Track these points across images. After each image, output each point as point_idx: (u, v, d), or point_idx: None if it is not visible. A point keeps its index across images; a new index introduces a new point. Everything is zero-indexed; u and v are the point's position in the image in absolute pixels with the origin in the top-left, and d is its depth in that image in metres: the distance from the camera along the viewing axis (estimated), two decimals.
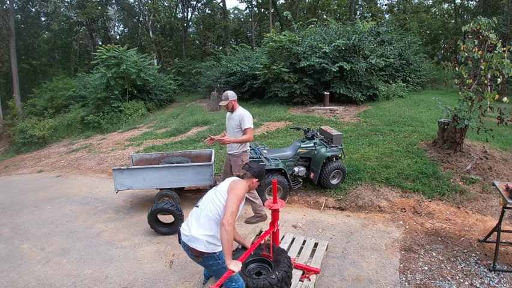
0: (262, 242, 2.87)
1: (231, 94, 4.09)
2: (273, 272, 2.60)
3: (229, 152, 4.27)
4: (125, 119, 12.94)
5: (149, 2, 24.20)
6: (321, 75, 10.73)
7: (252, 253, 2.84)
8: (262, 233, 3.31)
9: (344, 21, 16.67)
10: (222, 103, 4.09)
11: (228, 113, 4.27)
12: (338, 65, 10.22)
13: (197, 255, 2.42)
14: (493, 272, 3.20)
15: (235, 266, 2.25)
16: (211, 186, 5.02)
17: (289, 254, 3.32)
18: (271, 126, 8.91)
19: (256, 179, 2.69)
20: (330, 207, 4.81)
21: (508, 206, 3.22)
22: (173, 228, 4.20)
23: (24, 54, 25.52)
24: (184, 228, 2.51)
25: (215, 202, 2.49)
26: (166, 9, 25.90)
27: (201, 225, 2.43)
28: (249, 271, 2.79)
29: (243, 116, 4.04)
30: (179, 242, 2.55)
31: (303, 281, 2.98)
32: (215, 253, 2.42)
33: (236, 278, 2.46)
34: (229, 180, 2.65)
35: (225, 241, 2.27)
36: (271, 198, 2.98)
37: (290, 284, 2.68)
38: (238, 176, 2.72)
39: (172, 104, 16.18)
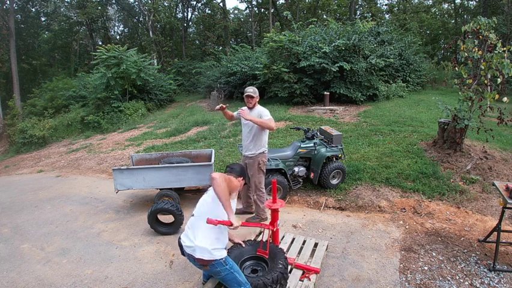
0: (259, 238, 2.89)
1: (256, 90, 4.01)
2: (269, 272, 2.60)
3: (245, 154, 4.15)
4: (125, 119, 12.94)
5: (149, 2, 24.21)
6: (321, 75, 10.72)
7: (247, 245, 2.88)
8: (262, 233, 3.32)
9: (344, 21, 16.68)
10: (250, 91, 3.93)
11: (245, 110, 4.12)
12: (338, 65, 10.22)
13: (204, 265, 2.40)
14: (493, 272, 3.20)
15: (236, 220, 2.38)
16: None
17: (289, 254, 3.33)
18: None
19: (241, 177, 2.78)
20: (330, 207, 4.81)
21: (508, 206, 3.22)
22: (173, 228, 4.19)
23: (24, 54, 25.53)
24: (184, 240, 2.48)
25: (206, 199, 2.54)
26: (166, 9, 25.91)
27: (201, 232, 2.42)
28: (244, 268, 2.79)
29: (262, 111, 3.93)
30: (183, 254, 2.55)
31: (303, 281, 2.98)
32: (221, 259, 2.41)
33: (244, 282, 2.44)
34: None
35: (220, 192, 2.34)
36: (271, 198, 2.98)
37: (285, 285, 2.67)
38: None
39: (172, 104, 16.18)
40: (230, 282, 2.43)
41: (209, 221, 2.29)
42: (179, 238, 2.55)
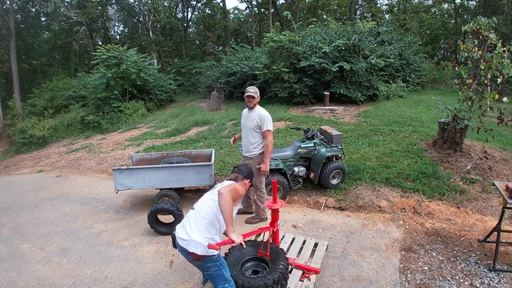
0: (260, 238, 2.89)
1: (257, 90, 4.00)
2: (270, 272, 2.60)
3: (245, 155, 4.17)
4: (125, 119, 12.94)
5: (149, 2, 24.21)
6: (321, 75, 10.72)
7: (247, 246, 2.86)
8: (263, 233, 3.31)
9: (344, 21, 16.67)
10: (251, 91, 3.91)
11: (245, 111, 4.14)
12: (338, 65, 10.22)
13: (196, 259, 2.41)
14: (493, 272, 3.20)
15: (237, 237, 2.37)
16: (211, 186, 5.03)
17: (289, 254, 3.33)
18: None
19: (248, 180, 2.77)
20: (330, 207, 4.81)
21: (508, 206, 3.22)
22: (173, 228, 4.18)
23: (24, 54, 25.52)
24: (179, 232, 2.48)
25: (211, 204, 2.50)
26: (166, 9, 25.91)
27: (198, 229, 2.42)
28: (245, 270, 2.80)
29: (264, 116, 3.92)
30: (175, 247, 2.54)
31: (303, 281, 2.98)
32: (214, 255, 2.43)
33: (228, 279, 2.47)
34: (224, 183, 2.70)
35: (225, 209, 2.33)
36: (271, 198, 2.98)
37: (286, 285, 2.68)
38: (235, 179, 2.74)
39: (172, 104, 16.18)
40: (217, 278, 2.46)
41: (210, 247, 2.29)
42: (174, 229, 2.54)
